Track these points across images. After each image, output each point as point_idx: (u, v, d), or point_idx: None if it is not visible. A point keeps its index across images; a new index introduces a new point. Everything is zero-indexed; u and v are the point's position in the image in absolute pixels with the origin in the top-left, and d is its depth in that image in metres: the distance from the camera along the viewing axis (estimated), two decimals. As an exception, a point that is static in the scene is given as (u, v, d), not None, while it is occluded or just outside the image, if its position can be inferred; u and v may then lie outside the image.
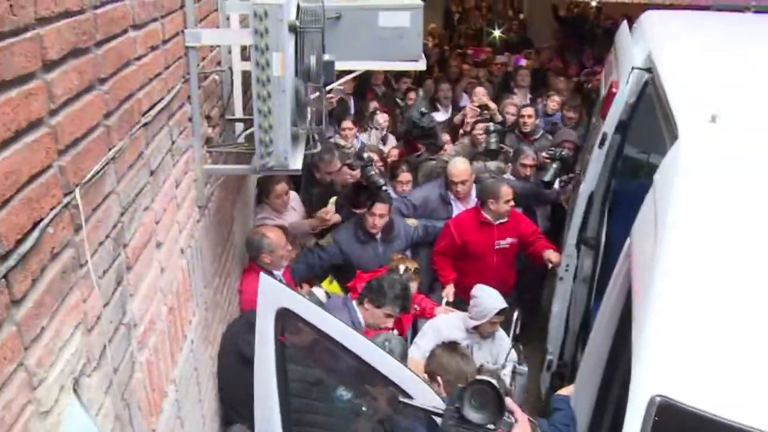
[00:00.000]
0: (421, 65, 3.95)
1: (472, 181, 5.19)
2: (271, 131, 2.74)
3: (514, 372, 2.17)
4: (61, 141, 1.45)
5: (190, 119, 2.69)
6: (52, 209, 1.39)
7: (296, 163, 2.89)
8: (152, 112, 2.13)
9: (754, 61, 3.54)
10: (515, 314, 3.89)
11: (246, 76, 3.59)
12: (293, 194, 4.92)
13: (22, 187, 1.26)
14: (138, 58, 2.00)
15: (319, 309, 2.36)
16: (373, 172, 4.68)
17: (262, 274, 2.46)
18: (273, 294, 2.41)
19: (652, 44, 4.20)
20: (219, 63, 3.30)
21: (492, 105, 6.31)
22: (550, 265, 4.81)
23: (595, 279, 4.79)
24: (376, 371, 2.22)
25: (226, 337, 3.36)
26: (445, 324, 4.15)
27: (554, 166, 5.25)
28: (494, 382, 1.77)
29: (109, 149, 1.74)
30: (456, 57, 10.08)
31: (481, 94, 6.70)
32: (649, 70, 4.12)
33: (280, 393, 2.52)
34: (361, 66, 3.94)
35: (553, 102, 7.40)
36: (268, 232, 3.85)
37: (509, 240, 4.93)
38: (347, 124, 6.06)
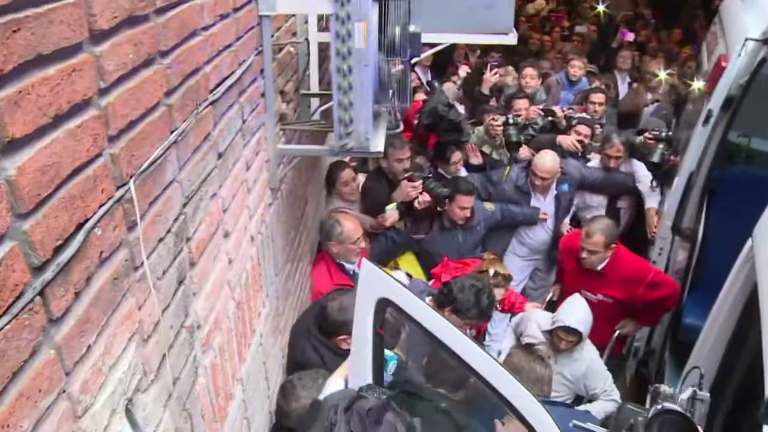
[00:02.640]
0: (512, 39, 3.60)
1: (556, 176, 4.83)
2: (352, 109, 2.49)
3: (694, 398, 1.87)
4: (113, 125, 1.23)
5: (262, 95, 2.47)
6: (101, 206, 1.18)
7: (378, 145, 2.63)
8: (221, 88, 1.91)
9: None
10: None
11: (324, 48, 3.35)
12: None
13: (62, 182, 1.05)
14: (205, 28, 1.77)
15: (423, 303, 2.11)
16: (434, 184, 4.31)
17: (364, 259, 2.23)
18: (374, 282, 2.17)
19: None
20: (294, 34, 3.06)
21: (558, 111, 5.63)
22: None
23: (690, 272, 4.39)
24: (481, 378, 1.96)
25: (293, 329, 3.18)
26: (532, 317, 3.85)
27: (660, 146, 4.83)
28: (684, 412, 1.51)
29: (171, 132, 1.53)
30: (535, 29, 9.44)
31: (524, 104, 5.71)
32: (767, 43, 3.63)
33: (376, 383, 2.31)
34: (446, 39, 3.64)
35: (574, 68, 6.82)
36: (344, 220, 3.58)
37: (601, 297, 4.19)
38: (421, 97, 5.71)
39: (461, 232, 4.62)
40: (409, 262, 4.68)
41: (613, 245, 3.99)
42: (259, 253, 2.52)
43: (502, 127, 5.14)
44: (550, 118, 5.51)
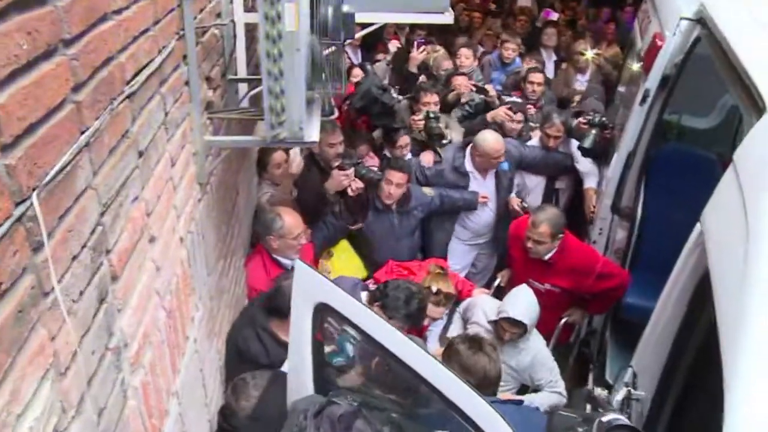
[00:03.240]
0: (448, 18, 3.49)
1: None
2: (284, 97, 2.32)
3: (629, 398, 1.80)
4: (7, 131, 1.04)
5: (186, 83, 2.26)
6: (-4, 229, 1.00)
7: (312, 134, 2.47)
8: (139, 79, 1.71)
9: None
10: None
11: (251, 29, 3.14)
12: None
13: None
14: (117, 12, 1.56)
15: (364, 307, 1.99)
16: (365, 170, 4.22)
17: (297, 261, 2.09)
18: (311, 287, 2.03)
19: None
20: (219, 15, 2.84)
21: (492, 90, 5.58)
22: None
23: (629, 251, 4.45)
24: (427, 383, 1.86)
25: (230, 331, 3.02)
26: (478, 303, 3.80)
27: (593, 132, 4.84)
28: (634, 426, 1.46)
29: (81, 133, 1.34)
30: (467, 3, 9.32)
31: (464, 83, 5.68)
32: (701, 22, 3.66)
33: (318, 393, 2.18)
34: (379, 18, 3.49)
35: (508, 50, 6.83)
36: (285, 214, 3.40)
37: (548, 287, 4.16)
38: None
39: (396, 216, 4.54)
40: (343, 249, 4.57)
41: (561, 235, 3.97)
42: (190, 254, 2.33)
43: (423, 122, 5.04)
44: (482, 97, 5.45)
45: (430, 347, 3.87)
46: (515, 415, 2.05)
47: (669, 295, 2.62)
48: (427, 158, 4.90)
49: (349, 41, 3.29)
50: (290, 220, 3.39)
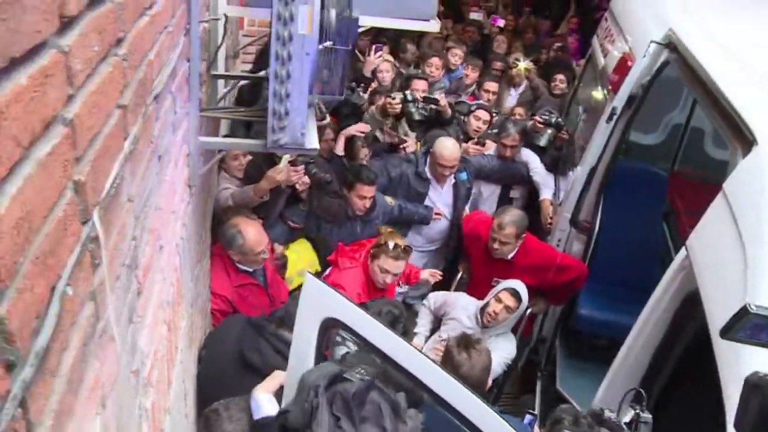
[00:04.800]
0: (434, 26, 3.46)
1: None
2: (288, 101, 2.23)
3: (638, 421, 1.81)
4: (80, 144, 0.93)
5: (187, 80, 2.14)
6: (69, 254, 0.89)
7: (312, 141, 2.38)
8: (161, 78, 1.59)
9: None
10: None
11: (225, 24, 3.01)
12: None
13: (33, 234, 0.76)
14: (149, 7, 1.45)
15: (375, 322, 1.92)
16: (316, 170, 4.07)
17: (308, 274, 1.99)
18: (320, 300, 1.95)
19: (672, 17, 3.85)
20: (208, 8, 2.70)
21: (442, 100, 5.30)
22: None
23: (585, 264, 4.57)
24: (445, 404, 1.83)
25: (221, 338, 2.85)
26: (455, 301, 3.87)
27: (549, 131, 4.94)
28: None
29: (125, 139, 1.22)
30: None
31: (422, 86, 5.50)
32: (669, 46, 3.79)
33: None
34: (366, 22, 3.41)
35: (455, 56, 6.78)
36: (246, 228, 3.20)
37: None
38: None
39: (360, 224, 4.49)
40: (304, 249, 4.48)
41: (524, 235, 4.05)
42: (181, 261, 2.20)
43: (400, 105, 4.98)
44: (432, 106, 5.24)
45: None
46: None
47: (651, 313, 2.69)
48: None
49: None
50: (252, 237, 3.20)
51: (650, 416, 1.84)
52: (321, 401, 1.68)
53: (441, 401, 1.88)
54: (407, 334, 3.30)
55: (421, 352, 1.92)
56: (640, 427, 1.83)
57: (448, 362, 2.90)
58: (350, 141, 4.66)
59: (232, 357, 2.71)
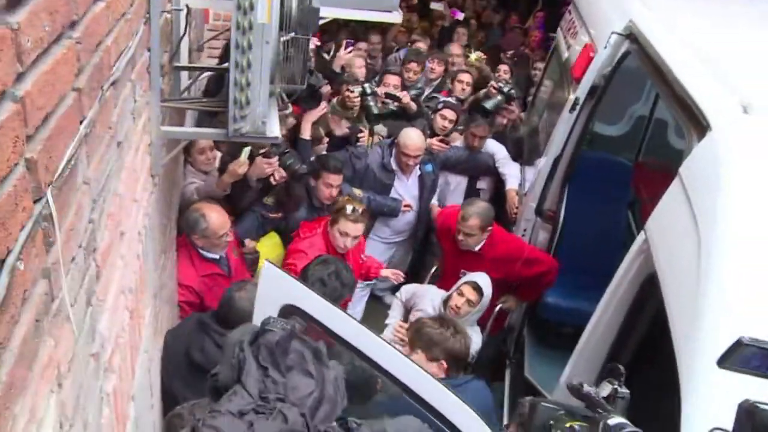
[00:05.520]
0: (396, 17, 3.50)
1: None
2: (249, 89, 2.24)
3: (615, 396, 1.85)
4: (30, 121, 0.94)
5: (148, 69, 2.14)
6: (21, 230, 0.90)
7: (274, 129, 2.40)
8: (120, 64, 1.60)
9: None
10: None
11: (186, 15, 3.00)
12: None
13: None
14: (106, -9, 1.45)
15: (333, 308, 1.95)
16: (291, 160, 4.05)
17: (266, 262, 2.02)
18: (278, 287, 1.98)
19: (633, 9, 3.94)
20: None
21: (405, 98, 5.35)
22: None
23: (551, 253, 4.64)
24: (398, 381, 1.87)
25: (173, 338, 2.85)
26: (424, 293, 3.94)
27: (498, 98, 5.14)
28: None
29: (80, 122, 1.23)
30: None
31: (394, 81, 5.61)
32: (630, 37, 3.87)
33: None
34: (330, 13, 3.44)
35: (409, 71, 6.92)
36: (209, 212, 3.25)
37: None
38: None
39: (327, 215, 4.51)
40: (274, 244, 4.48)
41: (490, 228, 4.09)
42: (144, 249, 2.20)
43: (358, 98, 5.01)
44: (396, 103, 5.31)
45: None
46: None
47: (612, 296, 2.76)
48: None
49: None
50: (215, 221, 3.25)
51: (627, 391, 1.90)
52: (247, 354, 1.67)
53: (399, 383, 1.92)
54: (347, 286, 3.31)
55: (379, 336, 1.96)
56: (617, 402, 1.88)
57: (427, 340, 2.96)
58: (315, 126, 4.67)
59: (183, 356, 2.73)
